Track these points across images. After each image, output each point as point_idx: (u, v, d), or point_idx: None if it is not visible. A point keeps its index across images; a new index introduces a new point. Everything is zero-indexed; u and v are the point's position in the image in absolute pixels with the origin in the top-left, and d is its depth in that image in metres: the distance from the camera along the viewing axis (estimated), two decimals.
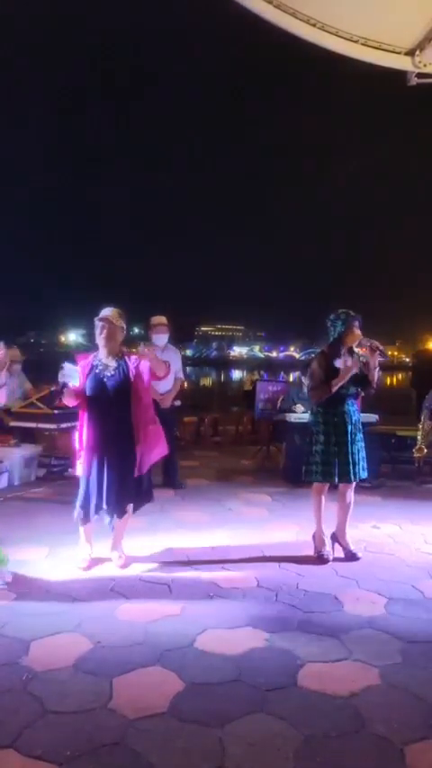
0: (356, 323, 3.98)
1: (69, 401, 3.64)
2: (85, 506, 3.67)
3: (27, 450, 6.12)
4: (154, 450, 3.78)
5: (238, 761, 2.03)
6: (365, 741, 2.15)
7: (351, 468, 3.97)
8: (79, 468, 3.74)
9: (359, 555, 4.06)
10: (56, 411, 6.16)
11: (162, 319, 5.92)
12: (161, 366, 3.73)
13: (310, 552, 4.13)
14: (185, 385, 6.35)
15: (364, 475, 4.05)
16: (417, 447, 6.54)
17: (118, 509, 3.73)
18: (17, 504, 5.23)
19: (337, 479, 4.00)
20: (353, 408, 4.05)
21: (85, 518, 3.70)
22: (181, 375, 6.04)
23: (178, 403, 6.20)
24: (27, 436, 6.32)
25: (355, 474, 3.99)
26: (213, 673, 2.55)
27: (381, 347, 4.02)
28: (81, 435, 3.70)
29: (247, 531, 4.62)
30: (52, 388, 6.76)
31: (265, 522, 4.94)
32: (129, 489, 3.70)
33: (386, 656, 2.74)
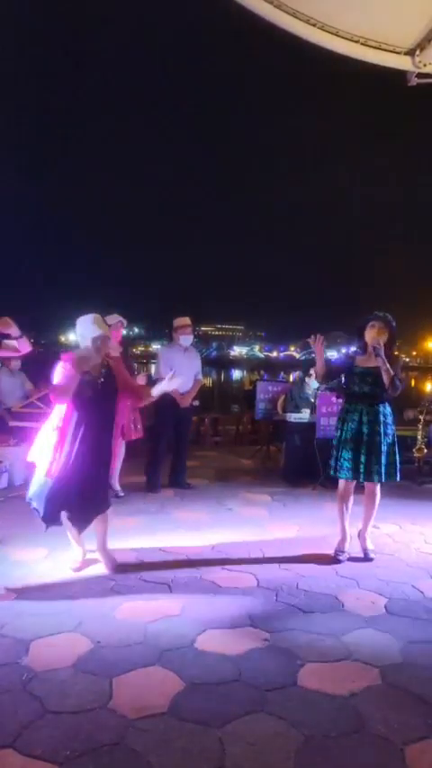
0: (374, 322, 4.00)
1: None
2: (52, 508, 3.56)
3: (27, 450, 6.12)
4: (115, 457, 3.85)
5: (238, 761, 2.03)
6: (365, 741, 2.15)
7: (354, 465, 3.99)
8: (40, 462, 3.58)
9: (372, 556, 4.08)
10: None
11: (187, 320, 5.96)
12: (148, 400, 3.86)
13: (311, 552, 4.14)
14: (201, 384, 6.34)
15: (378, 479, 3.99)
16: (417, 447, 6.55)
17: (84, 519, 3.67)
18: (17, 504, 5.22)
19: (341, 474, 4.06)
20: (368, 408, 4.00)
21: (54, 521, 3.61)
22: (200, 377, 6.08)
23: (196, 403, 6.24)
24: (27, 436, 6.32)
25: (361, 474, 3.99)
26: (213, 673, 2.55)
27: (375, 346, 3.91)
28: (62, 434, 3.52)
29: (247, 531, 4.61)
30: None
31: (265, 522, 4.94)
32: (100, 498, 3.68)
33: (386, 656, 2.74)
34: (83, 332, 3.62)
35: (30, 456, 3.68)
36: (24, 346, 3.72)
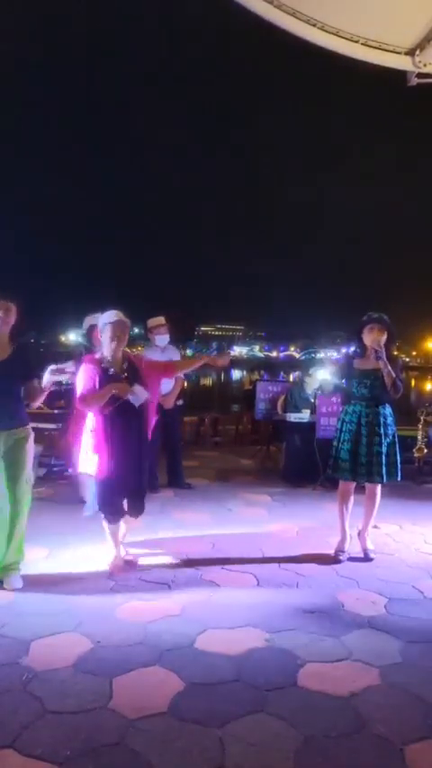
0: (372, 324, 3.98)
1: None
2: (110, 506, 3.67)
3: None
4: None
5: (238, 761, 2.03)
6: (365, 741, 2.15)
7: (352, 467, 4.00)
8: (86, 467, 3.68)
9: (372, 556, 4.09)
10: (56, 411, 6.17)
11: (161, 320, 5.91)
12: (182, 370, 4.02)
13: (310, 552, 4.14)
14: (185, 384, 6.34)
15: (379, 480, 4.00)
16: (417, 447, 6.55)
17: (140, 505, 3.79)
18: None
19: (339, 474, 4.08)
20: (367, 410, 4.00)
21: (115, 518, 3.72)
22: (182, 375, 6.06)
23: (180, 402, 6.22)
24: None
25: (362, 475, 4.00)
26: (213, 673, 2.55)
27: (377, 349, 3.91)
28: (98, 436, 3.61)
29: (247, 531, 4.62)
30: (53, 388, 6.76)
31: (265, 522, 4.94)
32: (145, 483, 3.82)
33: (386, 656, 2.74)
34: (104, 321, 3.68)
35: (81, 468, 3.75)
36: (39, 399, 3.67)
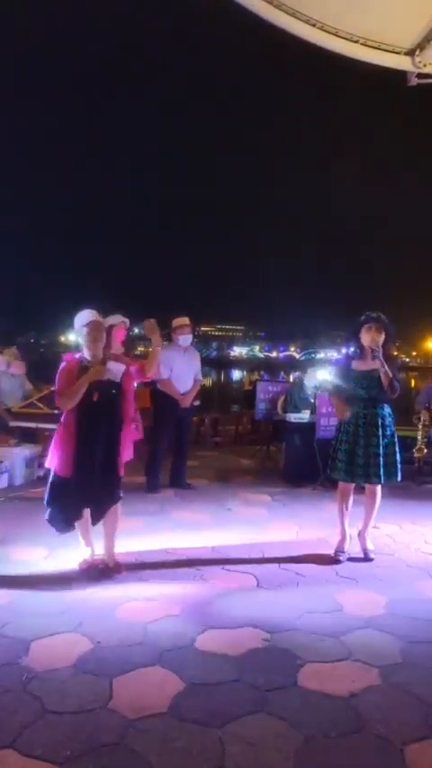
0: (370, 324, 3.97)
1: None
2: (66, 512, 3.63)
3: (27, 450, 6.12)
4: (125, 450, 3.76)
5: (238, 761, 2.03)
6: (365, 741, 2.15)
7: (349, 468, 3.99)
8: (52, 462, 3.64)
9: (372, 556, 4.08)
10: (56, 411, 6.17)
11: (185, 320, 5.97)
12: (153, 366, 3.81)
13: (310, 552, 4.14)
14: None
15: (377, 480, 4.00)
16: (417, 447, 6.55)
17: (99, 513, 3.72)
18: (17, 503, 5.23)
19: (336, 475, 4.08)
20: (365, 411, 4.00)
21: (62, 527, 3.68)
22: (200, 376, 6.11)
23: (197, 403, 6.26)
24: (27, 436, 6.32)
25: (360, 476, 4.00)
26: (213, 673, 2.55)
27: (375, 349, 3.90)
28: (62, 433, 3.61)
29: (247, 531, 4.61)
30: (52, 388, 6.76)
31: (265, 522, 4.94)
32: (111, 491, 3.70)
33: (386, 656, 2.74)
34: (78, 323, 3.65)
35: (47, 462, 3.71)
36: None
